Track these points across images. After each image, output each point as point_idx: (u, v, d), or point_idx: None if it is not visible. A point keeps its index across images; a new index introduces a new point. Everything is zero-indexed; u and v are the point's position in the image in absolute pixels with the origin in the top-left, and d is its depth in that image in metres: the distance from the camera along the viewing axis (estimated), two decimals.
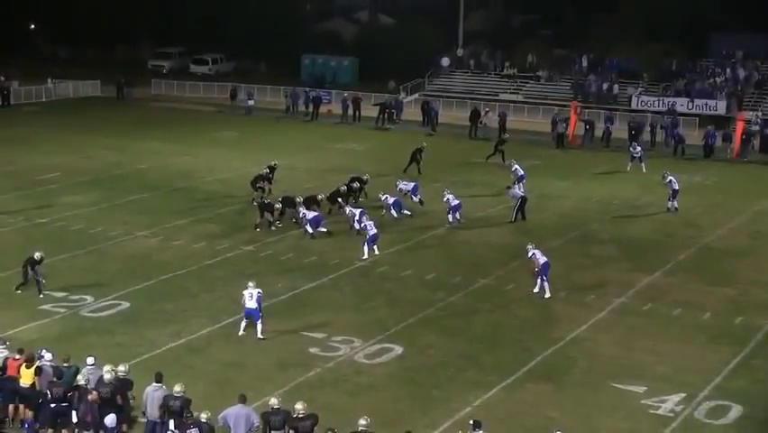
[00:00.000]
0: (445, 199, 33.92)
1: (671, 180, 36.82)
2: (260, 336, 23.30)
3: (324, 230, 31.79)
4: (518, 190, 35.65)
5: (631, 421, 19.86)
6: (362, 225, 30.62)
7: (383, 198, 34.50)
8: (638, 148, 44.44)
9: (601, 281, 28.41)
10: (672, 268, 29.89)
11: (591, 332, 24.61)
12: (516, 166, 39.10)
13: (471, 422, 17.25)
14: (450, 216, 33.75)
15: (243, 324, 23.54)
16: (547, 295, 26.78)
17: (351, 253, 30.04)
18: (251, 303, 23.28)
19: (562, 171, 43.20)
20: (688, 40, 63.18)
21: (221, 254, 29.94)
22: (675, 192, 36.71)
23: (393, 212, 34.18)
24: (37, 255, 26.07)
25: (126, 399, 18.19)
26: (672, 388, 21.27)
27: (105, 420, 17.51)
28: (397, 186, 35.99)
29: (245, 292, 23.40)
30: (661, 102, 57.83)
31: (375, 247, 29.98)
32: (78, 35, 76.85)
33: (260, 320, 23.38)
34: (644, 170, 43.20)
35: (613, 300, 26.85)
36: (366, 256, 29.60)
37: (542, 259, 27.12)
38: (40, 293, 25.68)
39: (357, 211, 31.86)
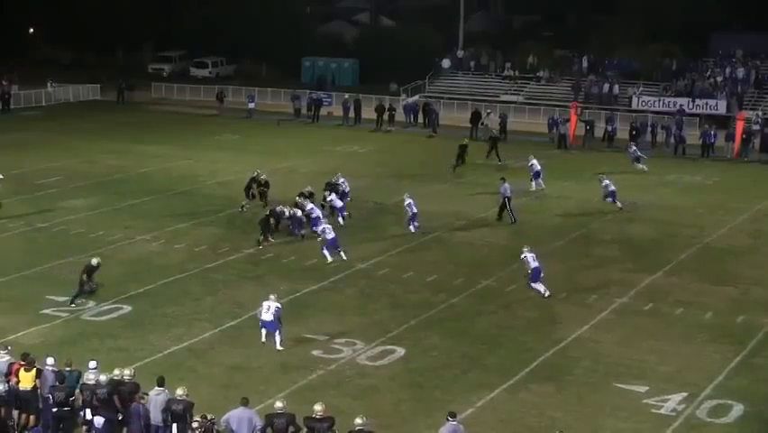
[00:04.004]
0: (407, 203, 32.77)
1: (606, 184, 36.56)
2: (279, 347, 22.88)
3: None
4: (507, 188, 35.04)
5: (633, 421, 19.87)
6: (320, 228, 29.66)
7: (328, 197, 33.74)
8: (633, 148, 44.49)
9: (603, 282, 28.42)
10: (673, 268, 29.90)
11: (593, 332, 24.61)
12: (534, 161, 39.60)
13: (447, 413, 17.45)
14: (411, 226, 32.65)
15: (264, 332, 23.17)
16: (546, 294, 26.75)
17: (352, 256, 30.04)
18: (266, 315, 22.92)
19: (563, 172, 43.16)
20: (687, 40, 63.16)
21: (222, 258, 29.95)
22: (612, 193, 36.45)
23: (339, 218, 33.22)
24: (94, 261, 25.66)
25: (123, 401, 18.16)
26: (675, 387, 21.28)
27: (94, 421, 17.51)
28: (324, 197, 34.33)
29: (264, 303, 23.13)
30: (661, 102, 57.83)
31: (342, 253, 29.24)
32: (78, 39, 76.87)
33: (277, 332, 22.98)
34: (645, 169, 43.25)
35: (615, 300, 26.86)
36: (330, 260, 29.10)
37: (533, 264, 27.08)
38: (71, 303, 25.17)
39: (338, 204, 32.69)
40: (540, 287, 26.87)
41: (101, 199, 36.92)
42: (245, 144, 49.40)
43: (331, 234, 29.25)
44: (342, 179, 35.81)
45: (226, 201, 36.70)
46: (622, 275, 29.09)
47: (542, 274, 27.03)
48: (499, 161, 44.68)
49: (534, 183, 39.74)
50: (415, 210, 32.61)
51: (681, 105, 56.30)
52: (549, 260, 30.42)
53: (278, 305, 23.13)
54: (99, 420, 17.48)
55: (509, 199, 34.67)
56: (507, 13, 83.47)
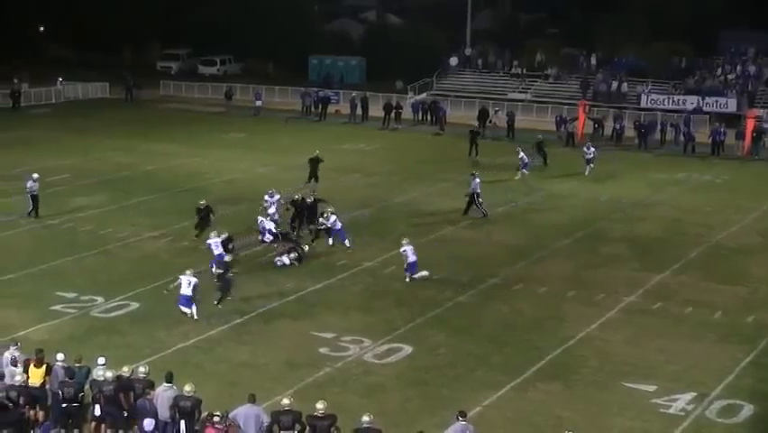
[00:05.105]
0: (331, 221, 30.58)
1: (476, 183, 34.94)
2: (196, 317, 24.24)
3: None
4: (477, 183, 34.75)
5: (641, 420, 19.78)
6: (207, 243, 28.34)
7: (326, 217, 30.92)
8: (591, 149, 42.75)
9: (611, 280, 28.32)
10: (682, 266, 29.78)
11: (601, 331, 24.53)
12: (522, 154, 40.62)
13: (457, 412, 17.36)
14: (330, 240, 30.76)
15: (185, 309, 24.33)
16: (426, 274, 27.48)
17: (358, 254, 30.00)
18: (187, 290, 24.26)
19: (571, 170, 43.02)
20: (695, 37, 62.99)
21: (229, 255, 29.85)
22: (476, 194, 35.10)
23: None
24: (228, 258, 26.34)
25: (128, 398, 18.18)
26: (683, 387, 21.18)
27: (144, 424, 17.46)
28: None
29: (183, 278, 24.34)
30: (670, 100, 57.65)
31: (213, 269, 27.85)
32: (86, 38, 77.03)
33: (194, 305, 24.35)
34: (586, 172, 41.99)
35: (623, 299, 26.76)
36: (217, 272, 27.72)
37: (411, 258, 27.32)
38: (218, 303, 25.25)
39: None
40: (422, 273, 27.42)
41: (108, 197, 36.96)
42: (252, 142, 49.40)
43: (218, 250, 27.82)
44: (277, 196, 32.42)
45: (233, 199, 36.68)
46: (630, 274, 28.99)
47: (417, 267, 27.57)
48: (476, 154, 45.73)
49: (519, 172, 40.68)
50: (338, 226, 30.66)
51: (696, 104, 55.97)
52: (556, 258, 30.47)
53: (196, 279, 24.41)
54: (150, 422, 17.41)
55: (478, 195, 34.65)
56: (514, 11, 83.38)
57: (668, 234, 33.66)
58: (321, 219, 30.47)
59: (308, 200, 32.13)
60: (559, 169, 43.10)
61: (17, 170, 40.53)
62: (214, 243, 27.86)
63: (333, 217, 30.59)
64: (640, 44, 64.40)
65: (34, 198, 33.45)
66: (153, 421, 17.46)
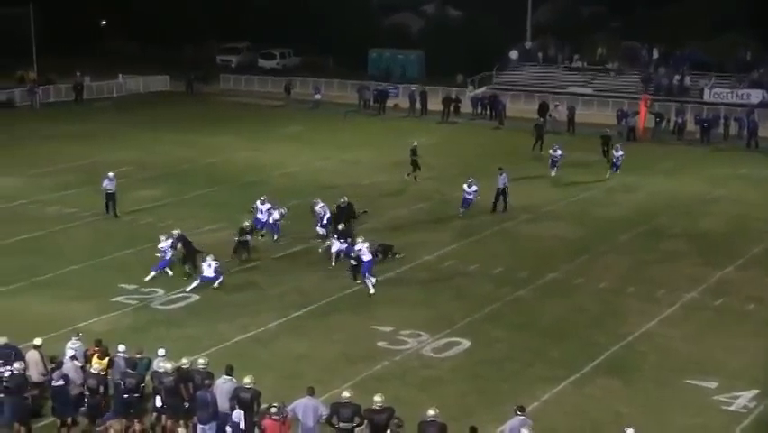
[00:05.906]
0: (319, 206, 30.60)
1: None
2: (216, 286, 26.17)
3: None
4: (504, 178, 34.54)
5: (703, 417, 19.52)
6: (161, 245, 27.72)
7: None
8: (621, 152, 40.51)
9: (672, 276, 27.94)
10: (744, 262, 29.27)
11: (661, 327, 24.23)
12: (560, 152, 40.45)
13: (516, 407, 17.26)
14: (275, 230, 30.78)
15: (196, 283, 26.04)
16: (371, 292, 26.04)
17: (417, 248, 29.99)
18: (208, 272, 26.17)
19: (631, 165, 42.32)
20: (763, 30, 61.66)
21: (288, 248, 30.12)
22: (467, 201, 34.09)
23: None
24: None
25: (188, 390, 18.39)
26: (745, 384, 20.84)
27: (233, 416, 17.64)
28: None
29: (204, 264, 26.28)
30: (734, 94, 56.59)
31: (167, 270, 27.53)
32: (148, 33, 78.07)
33: (218, 280, 26.28)
34: (607, 175, 40.28)
35: (683, 295, 26.39)
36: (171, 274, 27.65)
37: (366, 256, 26.53)
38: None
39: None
40: (369, 282, 26.18)
41: (169, 189, 37.43)
42: (311, 136, 49.63)
43: (168, 255, 27.50)
44: (268, 205, 31.34)
45: (292, 192, 36.88)
46: (691, 270, 28.56)
47: (373, 269, 26.62)
48: (540, 150, 44.72)
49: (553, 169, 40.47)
50: (328, 215, 30.56)
51: (762, 97, 54.86)
52: (616, 253, 30.15)
53: (218, 262, 26.37)
54: (239, 414, 17.59)
55: (506, 189, 34.44)
56: (575, 4, 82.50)
57: (730, 229, 33.09)
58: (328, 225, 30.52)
59: (341, 202, 31.54)
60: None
61: (79, 163, 41.38)
62: (165, 246, 27.64)
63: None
64: (703, 37, 63.30)
65: (110, 197, 33.52)
66: (242, 413, 17.55)
